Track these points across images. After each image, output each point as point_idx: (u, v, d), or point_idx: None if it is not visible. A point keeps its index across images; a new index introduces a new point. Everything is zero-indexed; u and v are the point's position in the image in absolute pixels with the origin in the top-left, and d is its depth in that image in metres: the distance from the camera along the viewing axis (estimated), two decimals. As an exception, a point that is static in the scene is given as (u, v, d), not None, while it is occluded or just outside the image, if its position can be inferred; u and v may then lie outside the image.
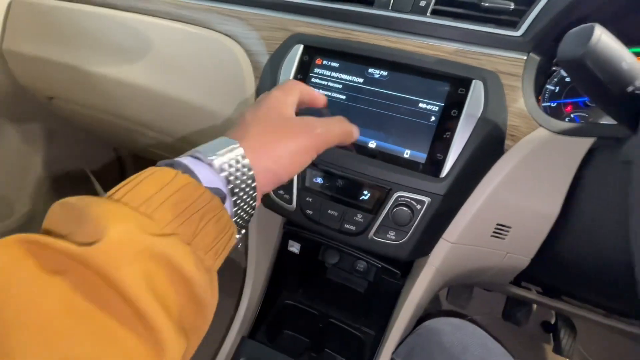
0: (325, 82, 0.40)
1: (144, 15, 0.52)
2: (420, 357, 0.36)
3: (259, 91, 0.44)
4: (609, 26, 0.23)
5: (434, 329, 0.37)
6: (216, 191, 0.23)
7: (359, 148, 0.39)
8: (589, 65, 0.20)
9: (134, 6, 0.53)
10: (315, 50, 0.41)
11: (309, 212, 0.40)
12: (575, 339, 0.77)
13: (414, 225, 0.37)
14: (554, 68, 0.41)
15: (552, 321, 0.83)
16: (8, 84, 0.68)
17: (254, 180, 0.25)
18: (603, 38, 0.20)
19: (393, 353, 0.39)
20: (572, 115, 0.42)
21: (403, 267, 0.48)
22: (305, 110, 0.35)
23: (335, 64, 0.40)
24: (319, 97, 0.35)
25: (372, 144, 0.38)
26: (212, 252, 0.22)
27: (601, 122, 0.38)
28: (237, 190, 0.24)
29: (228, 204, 0.24)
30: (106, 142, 0.93)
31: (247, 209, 0.26)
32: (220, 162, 0.24)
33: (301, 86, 0.33)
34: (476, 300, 0.86)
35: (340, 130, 0.32)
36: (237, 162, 0.25)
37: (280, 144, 0.27)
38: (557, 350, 0.78)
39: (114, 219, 0.18)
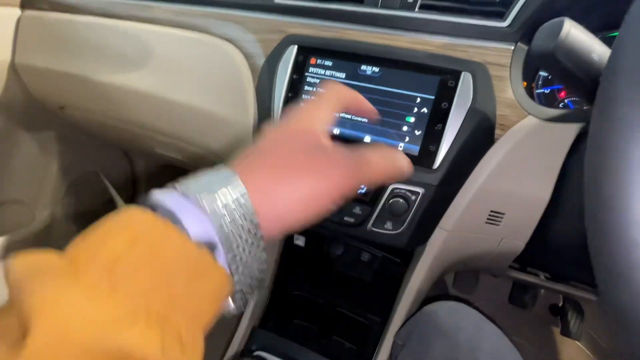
0: (320, 81, 0.42)
1: (145, 24, 0.54)
2: (418, 338, 0.38)
3: (257, 92, 0.46)
4: (596, 11, 0.24)
5: (431, 312, 0.39)
6: (206, 242, 0.18)
7: (355, 143, 0.40)
8: (559, 57, 0.21)
9: (135, 15, 0.55)
10: (309, 50, 0.42)
11: (312, 223, 0.42)
12: (583, 321, 0.78)
13: (410, 215, 0.38)
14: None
15: (560, 304, 0.84)
16: (21, 95, 0.71)
17: (257, 229, 0.19)
18: (572, 32, 0.21)
19: (395, 336, 0.41)
20: (565, 101, 0.43)
21: (404, 256, 0.50)
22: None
23: (329, 63, 0.42)
24: (368, 107, 0.27)
25: (367, 139, 0.40)
26: (195, 322, 0.17)
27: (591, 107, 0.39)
28: (234, 243, 0.19)
29: (221, 258, 0.19)
30: (117, 146, 0.97)
31: (251, 263, 0.19)
32: (214, 204, 0.18)
33: (342, 93, 0.25)
34: (483, 286, 0.87)
35: (387, 167, 0.24)
36: (236, 203, 0.19)
37: (301, 182, 0.20)
38: (565, 332, 0.79)
39: (53, 306, 0.14)
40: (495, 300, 0.88)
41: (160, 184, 0.21)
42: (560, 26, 0.21)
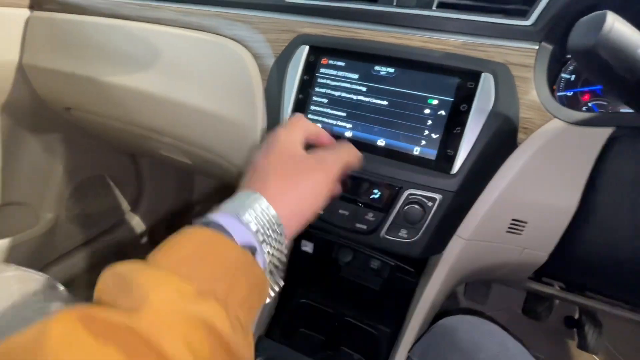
0: (332, 82, 0.40)
1: (153, 24, 0.53)
2: (435, 356, 0.35)
3: (266, 93, 0.45)
4: (625, 9, 0.22)
5: (450, 328, 0.37)
6: (249, 246, 0.24)
7: (368, 147, 0.38)
8: (601, 54, 0.19)
9: (144, 16, 0.54)
10: (320, 50, 0.41)
11: (320, 212, 0.41)
12: (601, 334, 0.75)
13: (426, 222, 0.36)
14: (568, 56, 0.39)
15: (576, 316, 0.80)
16: (28, 96, 0.71)
17: (282, 229, 0.26)
18: (616, 25, 0.19)
19: (409, 352, 0.39)
20: (589, 104, 0.41)
21: (417, 265, 0.47)
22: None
23: (341, 63, 0.40)
24: (324, 135, 0.35)
25: (381, 142, 0.38)
26: (246, 307, 0.23)
27: (620, 111, 0.37)
28: (267, 242, 0.26)
29: (260, 257, 0.25)
30: (122, 148, 0.96)
31: (279, 256, 0.27)
32: (249, 218, 0.25)
33: (304, 123, 0.33)
34: (495, 296, 0.84)
35: (349, 157, 0.33)
36: (264, 214, 0.26)
37: (300, 186, 0.28)
38: (582, 346, 0.75)
39: (154, 286, 0.20)
40: (508, 311, 0.85)
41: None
42: (603, 19, 0.19)
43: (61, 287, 0.52)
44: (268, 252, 0.26)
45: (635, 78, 0.20)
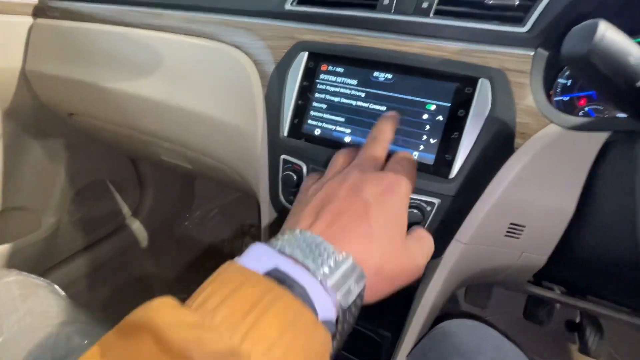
0: (331, 88, 0.41)
1: (157, 31, 0.54)
2: (433, 359, 0.36)
3: (267, 99, 0.45)
4: (619, 16, 0.22)
5: (448, 331, 0.37)
6: (329, 326, 0.21)
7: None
8: (594, 62, 0.20)
9: (147, 23, 0.55)
10: (320, 57, 0.42)
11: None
12: (603, 338, 0.74)
13: (425, 226, 0.36)
14: (564, 61, 0.40)
15: (577, 320, 0.80)
16: (31, 102, 0.72)
17: (362, 301, 0.23)
18: (608, 33, 0.20)
19: (407, 355, 0.39)
20: (586, 109, 0.41)
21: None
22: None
23: (340, 69, 0.41)
24: None
25: (379, 147, 0.39)
26: None
27: (616, 115, 0.37)
28: (345, 320, 0.22)
29: (332, 327, 0.22)
30: (124, 153, 0.97)
31: (347, 329, 0.23)
32: (338, 289, 0.21)
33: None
34: (496, 300, 0.84)
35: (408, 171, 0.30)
36: (357, 288, 0.22)
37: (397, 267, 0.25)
38: (584, 350, 0.75)
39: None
40: (509, 315, 0.85)
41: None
42: (595, 27, 0.20)
43: (62, 292, 0.52)
44: (342, 327, 0.22)
45: (627, 85, 0.20)
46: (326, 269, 0.21)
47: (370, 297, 0.24)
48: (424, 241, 0.31)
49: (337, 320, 0.22)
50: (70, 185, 0.88)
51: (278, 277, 0.20)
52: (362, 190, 0.26)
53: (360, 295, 0.22)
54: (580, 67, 0.21)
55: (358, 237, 0.24)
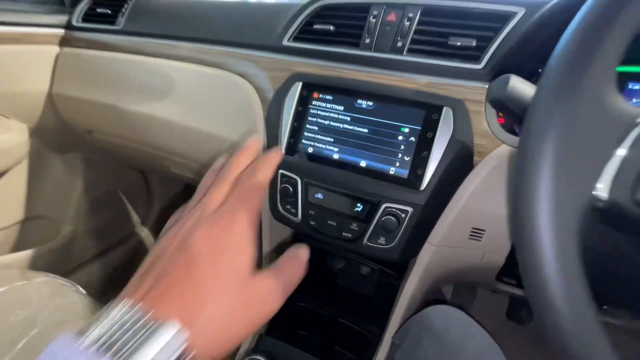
0: (322, 113, 0.48)
1: (171, 60, 0.62)
2: (412, 338, 0.42)
3: (267, 121, 0.52)
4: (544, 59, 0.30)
5: (426, 315, 0.43)
6: None
7: (352, 167, 0.46)
8: (505, 102, 0.28)
9: (163, 53, 0.63)
10: (312, 87, 0.49)
11: (312, 222, 0.48)
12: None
13: (401, 231, 0.43)
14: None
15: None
16: (55, 121, 0.79)
17: None
18: (517, 84, 0.27)
19: (392, 337, 0.46)
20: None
21: (400, 270, 0.54)
22: None
23: (329, 97, 0.48)
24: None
25: (362, 163, 0.45)
26: None
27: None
28: None
29: None
30: (135, 166, 1.04)
31: None
32: None
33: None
34: (483, 301, 0.89)
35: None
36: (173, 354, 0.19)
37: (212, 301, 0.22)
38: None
39: None
40: (495, 316, 0.90)
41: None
42: (507, 81, 0.27)
43: (84, 291, 0.59)
44: None
45: (522, 112, 0.28)
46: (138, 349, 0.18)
47: (215, 350, 0.22)
48: (284, 271, 0.28)
49: None
50: (86, 196, 0.95)
51: None
52: (191, 242, 0.24)
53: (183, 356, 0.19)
54: (499, 106, 0.29)
55: (181, 297, 0.22)
